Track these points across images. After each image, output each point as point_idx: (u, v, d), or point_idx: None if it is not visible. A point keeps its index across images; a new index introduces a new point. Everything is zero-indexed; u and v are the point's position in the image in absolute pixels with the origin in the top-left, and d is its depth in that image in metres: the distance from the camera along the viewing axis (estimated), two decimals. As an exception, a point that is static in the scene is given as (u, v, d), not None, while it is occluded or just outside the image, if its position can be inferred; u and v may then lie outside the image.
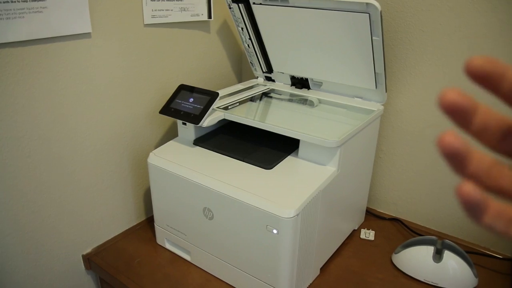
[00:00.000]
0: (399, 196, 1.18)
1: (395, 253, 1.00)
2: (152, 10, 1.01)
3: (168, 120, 1.15)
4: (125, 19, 0.96)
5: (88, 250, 1.04)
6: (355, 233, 1.11)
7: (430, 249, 0.94)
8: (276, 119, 1.00)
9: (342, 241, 1.06)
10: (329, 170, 0.87)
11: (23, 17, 0.77)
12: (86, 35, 0.89)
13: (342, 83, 1.07)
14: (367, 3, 0.85)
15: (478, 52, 0.94)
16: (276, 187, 0.82)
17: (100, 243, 1.06)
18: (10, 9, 0.74)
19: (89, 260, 1.02)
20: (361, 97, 1.07)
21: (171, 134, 1.17)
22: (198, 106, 0.94)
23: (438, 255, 0.93)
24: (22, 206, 0.87)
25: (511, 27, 0.89)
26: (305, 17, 0.97)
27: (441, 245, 0.95)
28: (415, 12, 1.00)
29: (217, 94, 0.94)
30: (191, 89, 0.98)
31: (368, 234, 1.10)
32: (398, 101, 1.10)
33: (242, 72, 1.39)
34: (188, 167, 0.90)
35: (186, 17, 1.09)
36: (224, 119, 0.98)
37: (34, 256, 0.92)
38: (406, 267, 0.97)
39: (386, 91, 1.01)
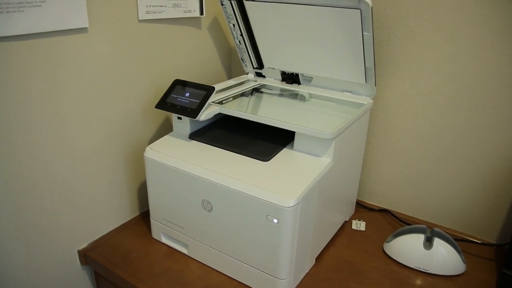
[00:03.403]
0: (388, 187, 1.22)
1: (386, 242, 1.04)
2: (146, 6, 1.01)
3: (161, 115, 1.16)
4: (120, 15, 0.97)
5: (84, 245, 1.03)
6: (346, 224, 1.14)
7: (421, 237, 0.98)
8: (271, 112, 1.02)
9: (335, 232, 1.09)
10: (325, 161, 0.89)
11: (22, 11, 0.77)
12: (83, 30, 0.89)
13: (332, 77, 1.10)
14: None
15: (463, 47, 0.98)
16: (274, 178, 0.84)
17: (96, 238, 1.06)
18: (10, 3, 0.74)
19: (85, 255, 1.02)
20: (350, 91, 1.10)
21: (164, 129, 1.18)
22: (195, 101, 0.95)
23: (428, 243, 0.97)
24: (18, 202, 0.87)
25: (493, 22, 0.94)
26: (296, 13, 0.99)
27: (431, 233, 0.98)
28: (402, 8, 1.03)
29: (213, 88, 0.96)
30: (186, 84, 0.99)
31: (359, 225, 1.13)
32: (386, 95, 1.13)
33: (231, 68, 1.40)
34: (186, 160, 0.91)
35: (179, 13, 1.10)
36: (217, 114, 0.99)
37: (29, 252, 0.92)
38: (398, 255, 1.00)
39: (375, 85, 1.04)
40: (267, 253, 0.85)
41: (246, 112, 0.96)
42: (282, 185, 0.81)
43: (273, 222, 0.80)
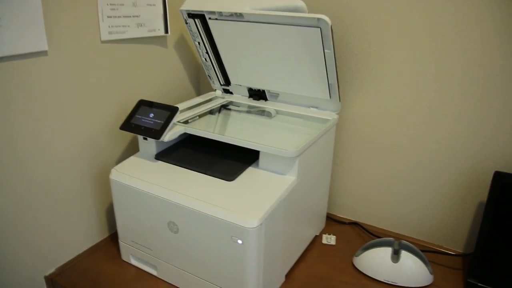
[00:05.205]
0: (357, 200, 1.23)
1: (356, 256, 1.04)
2: (109, 27, 1.01)
3: (128, 135, 1.15)
4: (82, 36, 0.96)
5: (51, 270, 1.01)
6: (317, 239, 1.14)
7: (388, 250, 0.99)
8: (236, 131, 1.02)
9: (305, 247, 1.09)
10: (289, 179, 0.89)
11: (-24, 37, 0.76)
12: (43, 53, 0.88)
13: (298, 94, 1.10)
14: (318, 18, 0.89)
15: (423, 60, 1.01)
16: (238, 198, 0.84)
17: (64, 262, 1.04)
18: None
19: (52, 281, 1.00)
20: (316, 107, 1.11)
21: (132, 149, 1.17)
22: (159, 121, 0.95)
23: (395, 256, 0.98)
24: (-20, 230, 0.85)
25: (451, 38, 0.96)
26: (260, 32, 1.00)
27: (398, 245, 1.00)
28: (363, 25, 1.05)
29: (177, 108, 0.96)
30: (150, 104, 0.99)
31: (329, 239, 1.14)
32: (352, 109, 1.15)
33: (200, 85, 1.40)
34: (151, 182, 0.91)
35: (143, 32, 1.10)
36: (183, 133, 0.99)
37: (-7, 281, 0.90)
38: (367, 269, 1.01)
39: (340, 101, 1.05)
40: (234, 274, 0.84)
41: (210, 132, 0.96)
42: (245, 205, 0.81)
43: (238, 243, 0.80)
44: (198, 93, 1.40)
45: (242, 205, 0.81)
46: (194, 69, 1.36)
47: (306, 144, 0.89)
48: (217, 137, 0.94)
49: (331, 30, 0.89)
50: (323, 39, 0.92)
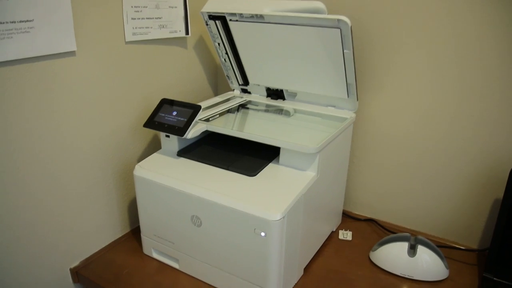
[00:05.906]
0: (373, 197, 1.25)
1: (372, 251, 1.07)
2: (133, 28, 1.04)
3: (149, 133, 1.18)
4: (107, 37, 1.00)
5: (76, 263, 1.05)
6: (333, 235, 1.17)
7: (405, 245, 1.01)
8: (256, 128, 1.05)
9: (322, 242, 1.12)
10: (309, 175, 0.92)
11: (11, 37, 0.79)
12: (71, 53, 0.92)
13: (316, 93, 1.13)
14: (338, 19, 0.91)
15: (442, 62, 1.03)
16: (261, 193, 0.87)
17: (87, 256, 1.08)
18: (-1, 30, 0.77)
19: (77, 273, 1.03)
20: (334, 106, 1.13)
21: (153, 147, 1.20)
22: (182, 119, 0.98)
23: (412, 250, 1.00)
24: (8, 222, 0.88)
25: (468, 41, 0.98)
26: (280, 33, 1.03)
27: (415, 240, 1.02)
28: (381, 27, 1.08)
29: (200, 107, 0.99)
30: (173, 103, 1.02)
31: (346, 235, 1.16)
32: (369, 108, 1.17)
33: (217, 85, 1.43)
34: (175, 177, 0.94)
35: (165, 33, 1.13)
36: (204, 131, 1.02)
37: (21, 271, 0.93)
38: (383, 263, 1.03)
39: (357, 100, 1.08)
40: (256, 266, 0.87)
41: (232, 129, 0.99)
42: (268, 199, 0.84)
43: (261, 235, 0.82)
44: (216, 93, 1.43)
45: (265, 199, 0.84)
46: (212, 69, 1.39)
47: (326, 141, 0.92)
48: (239, 134, 0.97)
49: (351, 31, 0.92)
50: (343, 39, 0.95)
